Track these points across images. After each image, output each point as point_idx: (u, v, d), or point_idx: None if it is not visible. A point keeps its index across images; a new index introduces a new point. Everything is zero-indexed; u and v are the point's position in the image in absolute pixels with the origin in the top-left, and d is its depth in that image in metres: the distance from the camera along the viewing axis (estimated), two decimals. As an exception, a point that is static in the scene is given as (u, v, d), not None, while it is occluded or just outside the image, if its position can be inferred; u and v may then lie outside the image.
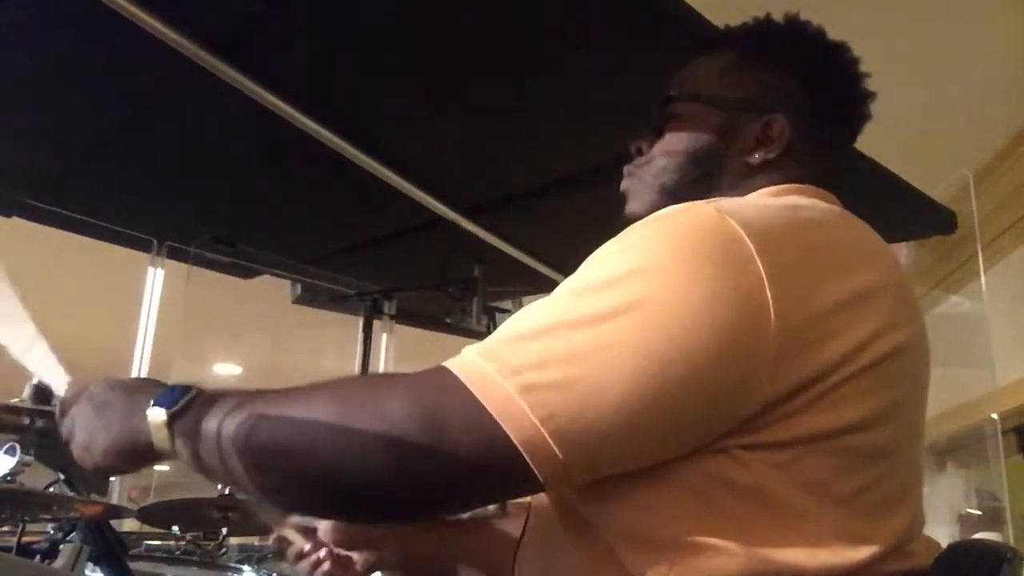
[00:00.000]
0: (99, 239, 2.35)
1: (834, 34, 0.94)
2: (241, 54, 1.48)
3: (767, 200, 0.79)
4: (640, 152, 0.92)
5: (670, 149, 0.89)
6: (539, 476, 0.61)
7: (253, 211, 2.19)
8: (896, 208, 1.94)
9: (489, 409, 0.61)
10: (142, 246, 2.57)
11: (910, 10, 2.39)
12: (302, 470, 0.65)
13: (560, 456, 0.60)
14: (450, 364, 0.65)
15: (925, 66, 2.63)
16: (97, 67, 1.55)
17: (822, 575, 0.64)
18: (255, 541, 3.11)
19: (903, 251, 3.57)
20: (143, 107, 1.69)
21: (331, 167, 1.79)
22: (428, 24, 1.41)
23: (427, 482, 0.63)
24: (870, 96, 0.91)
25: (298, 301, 2.87)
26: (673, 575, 0.65)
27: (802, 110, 0.87)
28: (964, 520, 3.17)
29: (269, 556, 2.27)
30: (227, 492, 2.28)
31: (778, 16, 0.93)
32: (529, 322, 0.65)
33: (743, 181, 0.85)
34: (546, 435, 0.60)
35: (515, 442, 0.60)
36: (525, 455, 0.60)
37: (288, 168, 1.92)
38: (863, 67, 0.93)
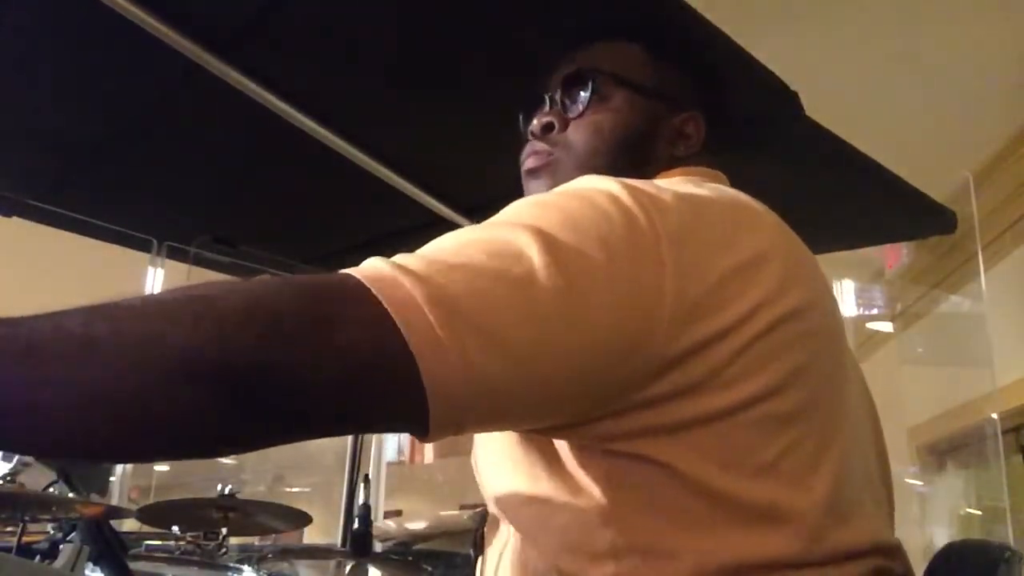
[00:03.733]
0: (99, 239, 2.35)
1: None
2: (241, 54, 1.48)
3: (672, 180, 0.80)
4: (551, 128, 0.91)
5: (601, 131, 0.88)
6: (424, 382, 0.53)
7: (253, 211, 2.20)
8: (896, 208, 1.94)
9: (387, 308, 0.54)
10: (142, 246, 2.57)
11: (910, 11, 2.39)
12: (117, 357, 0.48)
13: (448, 352, 0.54)
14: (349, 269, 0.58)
15: (925, 67, 2.63)
16: (97, 67, 1.55)
17: (759, 563, 0.64)
18: (255, 541, 3.11)
19: (903, 251, 3.57)
20: (143, 107, 1.69)
21: (331, 167, 1.79)
22: (428, 24, 1.41)
23: (298, 372, 0.51)
24: (736, 80, 0.96)
25: (298, 301, 2.86)
26: None
27: (709, 108, 0.91)
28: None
29: (269, 556, 2.27)
30: (227, 492, 2.28)
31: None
32: (436, 244, 0.62)
33: (666, 172, 0.87)
34: (435, 322, 0.54)
35: (408, 341, 0.53)
36: (416, 354, 0.53)
37: (288, 168, 1.92)
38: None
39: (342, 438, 2.96)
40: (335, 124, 1.69)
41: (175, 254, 2.56)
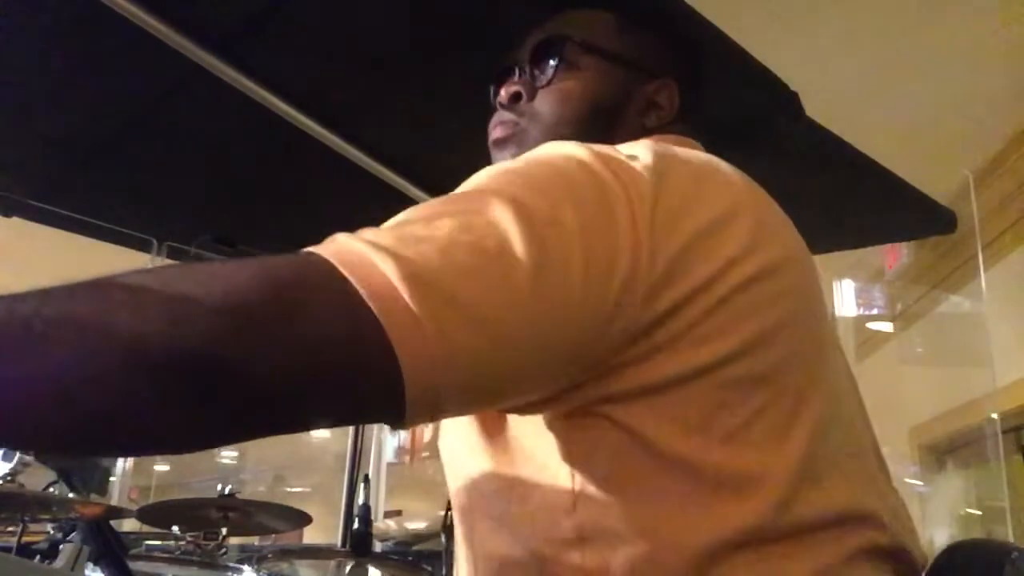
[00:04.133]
0: (99, 239, 2.35)
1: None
2: (241, 54, 1.48)
3: (641, 143, 0.77)
4: (519, 97, 0.89)
5: (569, 98, 0.85)
6: (402, 366, 0.50)
7: (253, 211, 2.20)
8: (896, 208, 1.94)
9: (359, 290, 0.50)
10: (142, 246, 2.57)
11: (910, 11, 2.39)
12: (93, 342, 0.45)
13: (425, 330, 0.51)
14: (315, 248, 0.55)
15: (925, 66, 2.63)
16: (97, 67, 1.55)
17: (726, 539, 0.62)
18: (255, 541, 3.11)
19: (903, 251, 3.57)
20: (143, 107, 1.69)
21: (331, 167, 1.79)
22: (429, 23, 1.41)
23: (259, 364, 0.47)
24: (735, 79, 0.95)
25: (298, 301, 2.86)
26: (587, 561, 0.64)
27: (686, 80, 0.89)
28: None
29: (269, 556, 2.27)
30: (227, 492, 2.28)
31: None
32: (405, 215, 0.60)
33: (634, 140, 0.84)
34: (408, 297, 0.51)
35: (384, 325, 0.50)
36: (392, 339, 0.49)
37: (288, 168, 1.92)
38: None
39: (342, 438, 2.96)
40: (335, 123, 1.69)
41: (175, 254, 2.56)
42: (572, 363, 0.61)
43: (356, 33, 1.44)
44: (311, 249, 0.53)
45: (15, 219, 2.18)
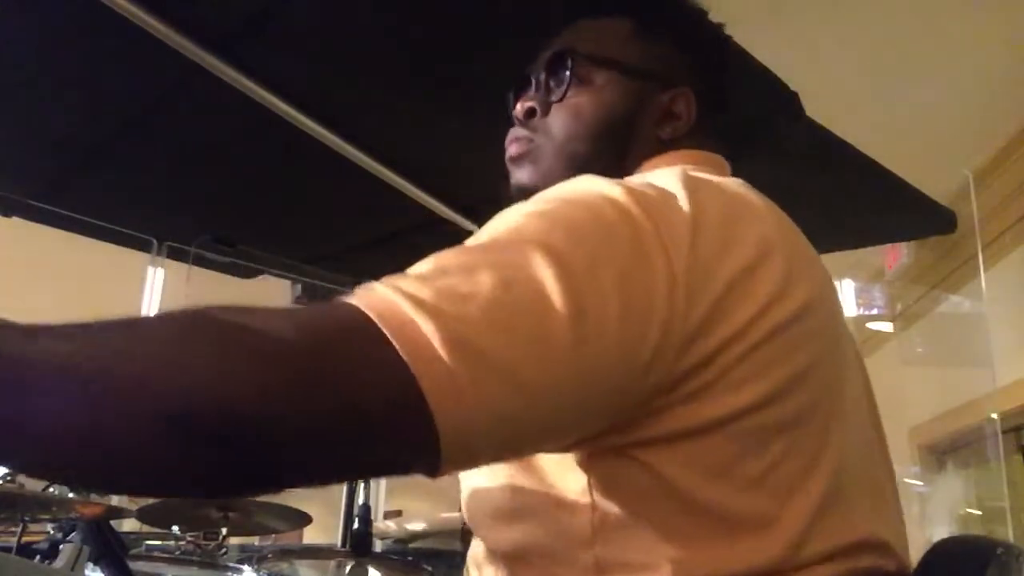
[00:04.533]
0: (99, 239, 2.35)
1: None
2: (241, 54, 1.48)
3: (653, 174, 0.74)
4: (533, 113, 0.87)
5: (581, 114, 0.83)
6: (439, 429, 0.50)
7: (253, 211, 2.20)
8: (896, 208, 1.94)
9: (401, 353, 0.50)
10: (142, 246, 2.57)
11: (910, 11, 2.39)
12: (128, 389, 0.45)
13: (463, 393, 0.51)
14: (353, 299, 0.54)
15: (925, 66, 2.63)
16: (97, 67, 1.55)
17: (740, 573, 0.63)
18: (255, 541, 3.11)
19: (903, 251, 3.57)
20: (143, 107, 1.69)
21: (331, 167, 1.79)
22: (428, 23, 1.41)
23: (302, 424, 0.47)
24: (736, 80, 0.91)
25: (298, 301, 2.86)
26: None
27: (701, 87, 0.86)
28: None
29: (269, 556, 2.27)
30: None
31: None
32: (442, 265, 0.58)
33: (653, 155, 0.82)
34: (448, 358, 0.50)
35: (424, 390, 0.49)
36: (420, 380, 0.49)
37: (288, 168, 1.92)
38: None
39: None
40: (335, 124, 1.69)
41: (175, 254, 2.56)
42: (604, 415, 0.61)
43: (356, 33, 1.44)
44: (352, 301, 0.52)
45: (15, 219, 2.18)
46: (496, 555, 0.74)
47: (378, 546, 2.74)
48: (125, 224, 2.33)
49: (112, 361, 0.45)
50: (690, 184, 0.67)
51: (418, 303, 0.52)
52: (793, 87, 1.45)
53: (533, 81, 0.89)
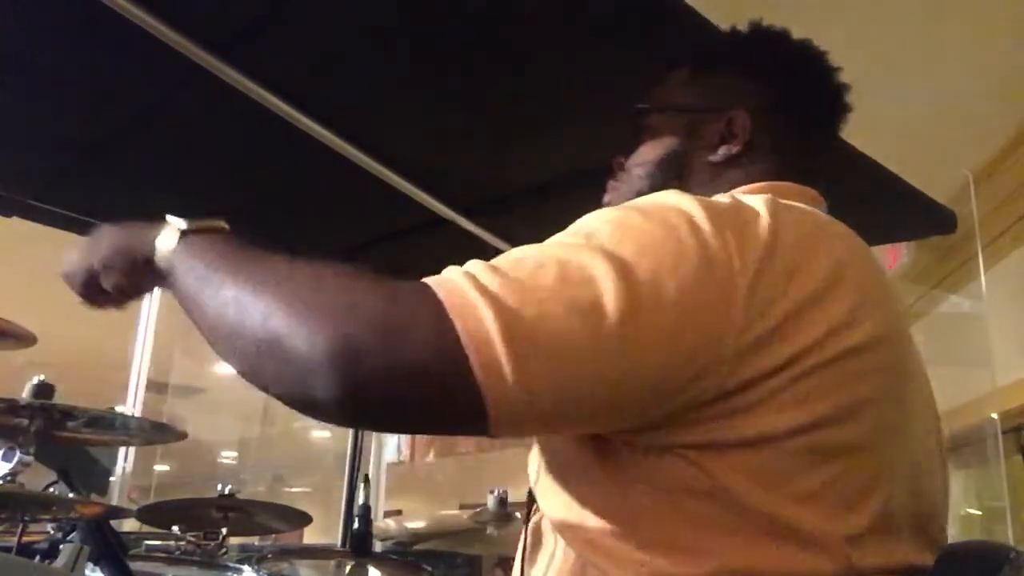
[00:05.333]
0: (99, 239, 2.34)
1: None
2: (241, 54, 1.48)
3: (747, 197, 0.79)
4: (621, 167, 0.96)
5: (642, 159, 0.94)
6: (484, 394, 0.59)
7: (253, 211, 2.19)
8: (896, 208, 1.94)
9: (457, 328, 0.60)
10: (142, 246, 2.56)
11: (910, 11, 2.39)
12: (253, 329, 0.65)
13: (510, 375, 0.59)
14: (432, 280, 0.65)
15: (925, 66, 2.63)
16: (97, 67, 1.55)
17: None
18: (255, 541, 3.11)
19: (903, 251, 3.57)
20: (143, 107, 1.69)
21: (331, 167, 1.79)
22: (428, 23, 1.41)
23: (368, 366, 0.60)
24: (840, 88, 0.94)
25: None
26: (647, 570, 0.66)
27: (763, 105, 0.90)
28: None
29: (269, 556, 2.27)
30: (227, 492, 2.28)
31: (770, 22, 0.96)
32: (518, 255, 0.67)
33: (712, 180, 0.88)
34: (500, 343, 0.59)
35: (464, 343, 0.59)
36: (472, 359, 0.59)
37: (288, 168, 1.92)
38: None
39: (342, 438, 2.96)
40: (335, 124, 1.69)
41: (175, 254, 2.56)
42: (645, 413, 0.65)
43: (356, 34, 1.44)
44: (430, 283, 0.64)
45: (15, 219, 2.18)
46: (552, 523, 0.77)
47: (378, 546, 2.74)
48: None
49: (302, 305, 0.64)
50: (772, 208, 0.71)
51: (483, 291, 0.61)
52: (793, 87, 1.45)
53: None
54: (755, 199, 0.73)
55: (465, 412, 0.60)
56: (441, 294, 0.61)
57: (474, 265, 0.65)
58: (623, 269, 0.62)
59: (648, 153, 0.93)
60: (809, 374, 0.65)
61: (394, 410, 0.63)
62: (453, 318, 0.60)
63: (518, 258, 0.65)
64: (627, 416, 0.65)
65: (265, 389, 0.66)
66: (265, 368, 0.65)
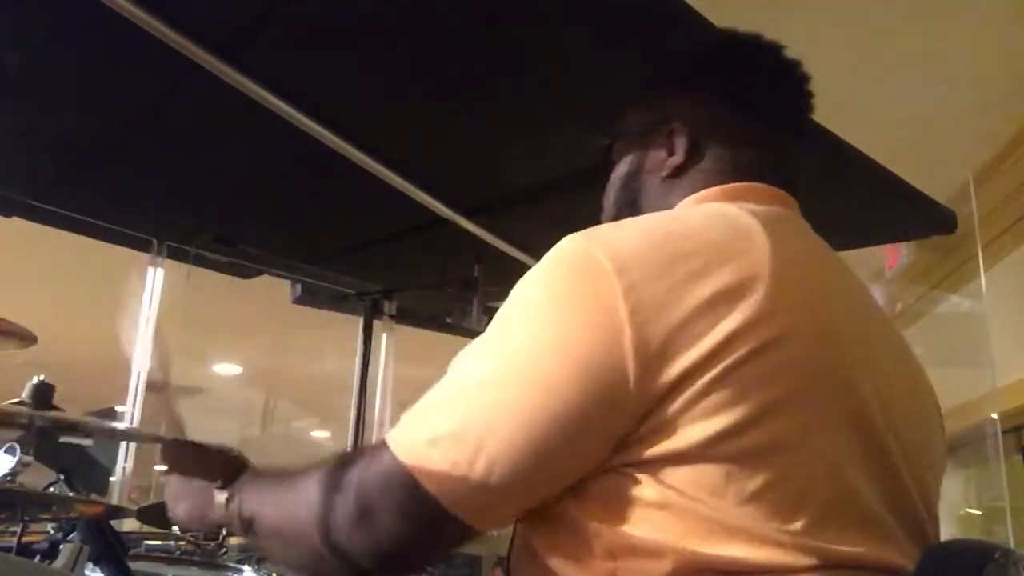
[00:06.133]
0: (99, 239, 2.34)
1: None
2: (241, 54, 1.48)
3: (679, 212, 0.85)
4: (602, 208, 1.01)
5: (608, 188, 0.99)
6: (463, 519, 0.70)
7: (253, 211, 2.20)
8: (896, 208, 1.94)
9: (422, 484, 0.70)
10: (142, 246, 2.57)
11: (910, 11, 2.39)
12: (289, 554, 0.84)
13: (474, 499, 0.69)
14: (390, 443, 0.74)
15: (925, 66, 2.63)
16: (97, 67, 1.55)
17: (755, 566, 0.66)
18: (255, 541, 3.11)
19: (903, 251, 3.57)
20: (143, 107, 1.69)
21: (331, 167, 1.79)
22: (428, 24, 1.41)
23: (369, 547, 0.73)
24: (794, 80, 0.95)
25: (298, 301, 2.86)
26: (620, 573, 0.68)
27: (704, 111, 0.91)
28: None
29: (269, 556, 2.27)
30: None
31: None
32: (438, 393, 0.74)
33: (665, 195, 0.90)
34: (455, 480, 0.68)
35: (434, 496, 0.69)
36: (444, 503, 0.69)
37: (288, 168, 1.92)
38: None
39: (342, 438, 2.96)
40: (335, 124, 1.69)
41: (175, 254, 2.56)
42: (592, 453, 0.70)
43: (356, 34, 1.44)
44: (387, 455, 0.73)
45: (15, 219, 2.18)
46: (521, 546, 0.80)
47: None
48: (125, 224, 2.33)
49: (289, 520, 0.83)
50: (660, 226, 0.76)
51: (430, 442, 0.71)
52: (793, 87, 1.45)
53: None
54: (656, 217, 0.81)
55: (454, 538, 0.74)
56: (406, 463, 0.71)
57: (407, 426, 0.74)
58: (495, 364, 0.72)
59: (612, 182, 0.98)
60: (723, 377, 0.66)
61: (401, 564, 0.76)
62: (420, 481, 0.70)
63: (432, 404, 0.74)
64: (575, 466, 0.70)
65: None
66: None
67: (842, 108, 1.92)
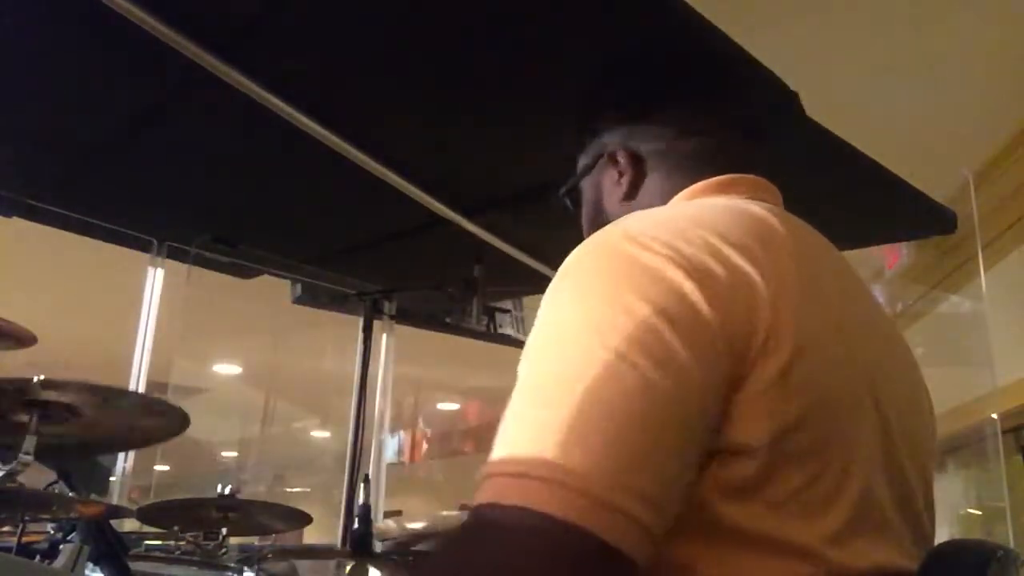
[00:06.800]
0: (99, 239, 2.35)
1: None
2: (241, 54, 1.48)
3: (682, 209, 0.83)
4: None
5: (582, 225, 1.00)
6: (628, 553, 0.57)
7: (253, 211, 2.20)
8: (896, 208, 1.94)
9: (562, 519, 0.56)
10: (142, 246, 2.57)
11: (910, 11, 2.39)
12: None
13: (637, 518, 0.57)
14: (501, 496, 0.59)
15: (925, 66, 2.64)
16: (97, 67, 1.55)
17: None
18: (255, 541, 3.11)
19: (903, 251, 3.57)
20: (143, 107, 1.69)
21: (331, 167, 1.79)
22: (428, 24, 1.41)
23: None
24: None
25: (298, 301, 2.87)
26: None
27: (623, 125, 0.93)
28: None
29: (269, 556, 2.27)
30: (227, 492, 2.28)
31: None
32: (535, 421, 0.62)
33: (688, 194, 0.89)
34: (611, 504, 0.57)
35: (600, 536, 0.56)
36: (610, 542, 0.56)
37: (288, 168, 1.92)
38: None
39: (342, 438, 2.96)
40: (335, 124, 1.69)
41: (175, 254, 2.56)
42: (705, 439, 0.64)
43: (356, 34, 1.44)
44: (507, 521, 0.58)
45: (15, 219, 2.18)
46: None
47: (378, 546, 2.74)
48: (125, 224, 2.33)
49: None
50: (691, 214, 0.74)
51: (547, 481, 0.57)
52: (793, 87, 1.45)
53: None
54: (686, 205, 0.80)
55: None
56: (536, 509, 0.57)
57: (506, 460, 0.60)
58: (615, 356, 0.61)
59: (583, 223, 1.00)
60: (775, 379, 0.64)
61: None
62: (552, 533, 0.56)
63: (542, 425, 0.61)
64: (702, 447, 0.64)
65: None
66: None
67: (842, 108, 1.93)
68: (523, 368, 0.65)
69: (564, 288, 0.68)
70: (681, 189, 0.87)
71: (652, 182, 0.91)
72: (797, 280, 0.69)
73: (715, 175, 0.86)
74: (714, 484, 0.64)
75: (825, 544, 0.66)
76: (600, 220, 0.91)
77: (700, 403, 0.62)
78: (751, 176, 0.87)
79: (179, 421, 1.65)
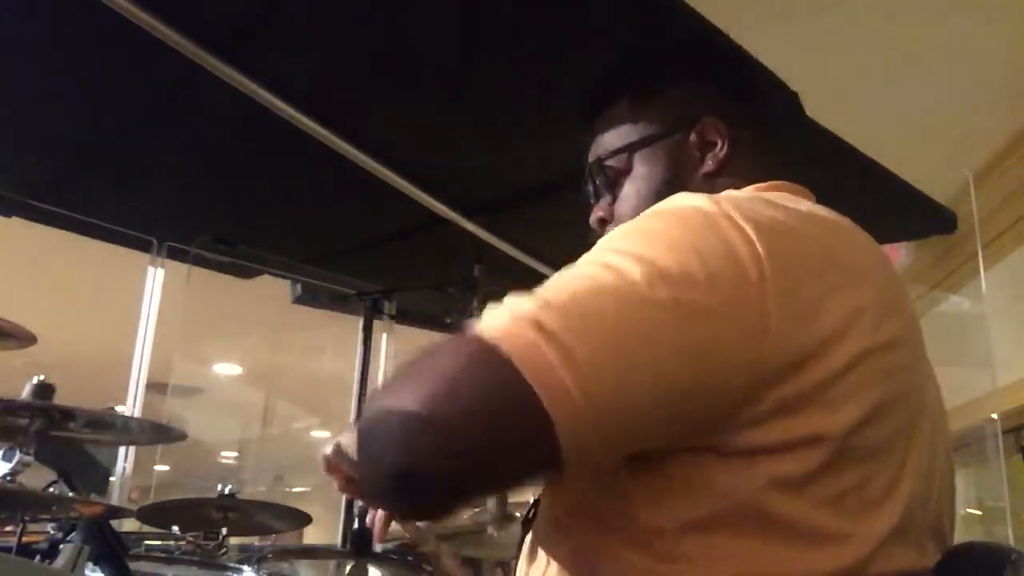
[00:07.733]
0: (99, 239, 2.35)
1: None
2: (241, 54, 1.48)
3: (762, 195, 0.78)
4: (605, 221, 0.93)
5: (636, 199, 0.90)
6: (555, 421, 0.57)
7: (253, 211, 2.20)
8: (896, 208, 1.94)
9: (528, 378, 0.58)
10: (142, 246, 2.57)
11: (910, 11, 2.39)
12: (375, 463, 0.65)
13: (577, 401, 0.57)
14: (496, 331, 0.61)
15: (925, 66, 2.63)
16: (97, 67, 1.55)
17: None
18: (255, 541, 3.11)
19: (903, 251, 3.57)
20: (142, 107, 1.69)
21: (331, 167, 1.79)
22: (428, 24, 1.41)
23: (455, 438, 0.59)
24: (778, 83, 0.94)
25: (298, 301, 2.87)
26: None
27: (726, 105, 0.89)
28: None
29: (269, 556, 2.27)
30: (227, 492, 2.28)
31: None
32: (555, 284, 0.64)
33: (712, 192, 0.84)
34: (566, 377, 0.57)
35: (530, 382, 0.57)
36: (541, 397, 0.57)
37: (288, 168, 1.92)
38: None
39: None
40: (335, 124, 1.69)
41: (175, 254, 2.56)
42: (697, 422, 0.63)
43: (356, 34, 1.44)
44: (486, 332, 0.60)
45: (15, 219, 2.18)
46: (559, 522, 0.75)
47: (378, 546, 2.74)
48: (125, 224, 2.33)
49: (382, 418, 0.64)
50: (785, 203, 0.73)
51: (539, 327, 0.59)
52: (793, 87, 1.45)
53: (591, 191, 0.95)
54: (779, 198, 0.74)
55: (538, 447, 0.59)
56: (501, 343, 0.59)
57: (523, 302, 0.62)
58: (653, 271, 0.62)
59: (641, 191, 0.90)
60: (847, 369, 0.64)
61: (478, 457, 0.60)
62: (516, 363, 0.58)
63: (560, 288, 0.63)
64: (682, 426, 0.64)
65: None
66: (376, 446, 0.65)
67: (842, 108, 1.93)
68: (585, 256, 0.66)
69: (652, 226, 0.68)
70: (758, 180, 0.85)
71: (740, 164, 0.88)
72: (880, 278, 0.71)
73: (768, 177, 0.86)
74: (766, 475, 0.64)
75: (867, 545, 0.65)
76: (665, 192, 0.83)
77: (719, 372, 0.61)
78: (790, 184, 0.87)
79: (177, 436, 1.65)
